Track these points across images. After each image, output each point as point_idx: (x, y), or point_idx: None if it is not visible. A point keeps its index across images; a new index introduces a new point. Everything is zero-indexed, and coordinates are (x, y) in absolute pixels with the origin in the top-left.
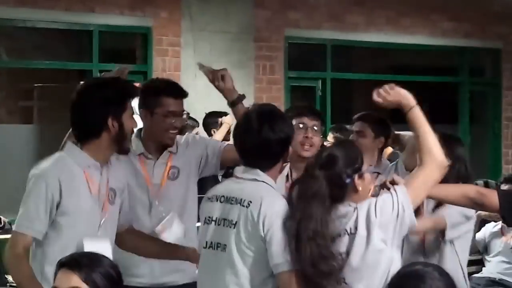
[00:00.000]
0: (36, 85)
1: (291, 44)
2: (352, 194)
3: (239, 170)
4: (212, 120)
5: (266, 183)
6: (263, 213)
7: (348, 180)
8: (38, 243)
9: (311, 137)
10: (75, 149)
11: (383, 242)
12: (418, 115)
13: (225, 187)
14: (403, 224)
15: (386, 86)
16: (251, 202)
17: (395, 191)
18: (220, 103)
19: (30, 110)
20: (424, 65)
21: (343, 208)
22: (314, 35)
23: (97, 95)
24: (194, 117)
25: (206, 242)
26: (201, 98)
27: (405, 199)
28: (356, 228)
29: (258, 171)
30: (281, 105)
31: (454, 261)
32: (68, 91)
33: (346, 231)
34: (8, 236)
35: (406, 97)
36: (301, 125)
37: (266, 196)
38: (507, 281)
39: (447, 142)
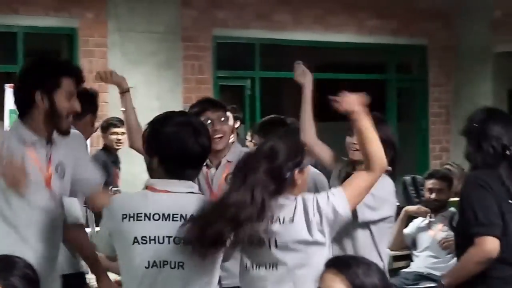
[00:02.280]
0: None
1: (219, 43)
2: (290, 187)
3: (168, 184)
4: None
5: (199, 193)
6: None
7: (288, 174)
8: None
9: (218, 129)
10: (19, 125)
11: (322, 236)
12: (362, 123)
13: (153, 203)
14: (335, 223)
15: (338, 97)
16: None
17: (331, 192)
18: (147, 104)
19: None
20: (352, 63)
21: (281, 200)
22: (242, 34)
23: (28, 69)
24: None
25: (148, 262)
26: None
27: (340, 200)
28: (292, 219)
29: (191, 183)
30: None
31: (370, 249)
32: None
33: (279, 219)
34: None
35: (351, 105)
36: (208, 121)
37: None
38: (435, 275)
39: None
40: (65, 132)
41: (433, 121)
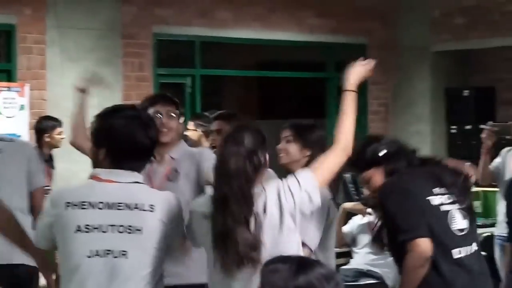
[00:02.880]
0: None
1: (160, 41)
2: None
3: (113, 174)
4: (43, 125)
5: (146, 184)
6: (170, 213)
7: (262, 161)
8: None
9: (166, 122)
10: None
11: (294, 223)
12: (348, 98)
13: (98, 192)
14: (307, 210)
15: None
16: (153, 206)
17: (300, 175)
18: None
19: None
20: (292, 61)
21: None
22: (182, 31)
23: None
24: (60, 116)
25: (91, 251)
26: (68, 96)
27: (310, 183)
28: (265, 209)
29: (136, 173)
30: None
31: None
32: None
33: (254, 213)
34: None
35: (348, 78)
36: (157, 114)
37: (161, 197)
38: (374, 271)
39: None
40: None
41: (372, 119)
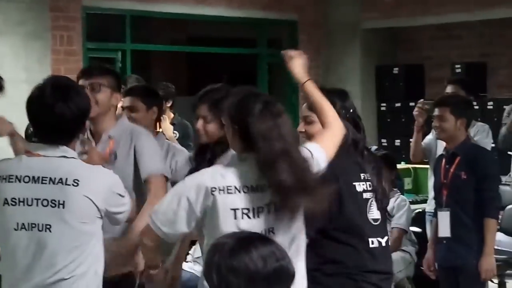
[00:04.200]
0: None
1: (89, 14)
2: None
3: (41, 148)
4: None
5: (75, 158)
6: (94, 191)
7: None
8: None
9: (90, 96)
10: None
11: None
12: (311, 89)
13: (24, 166)
14: None
15: (288, 53)
16: (78, 180)
17: (311, 146)
18: (14, 76)
19: None
20: (223, 36)
21: None
22: (112, 5)
23: None
24: None
25: (17, 224)
26: None
27: (321, 156)
28: None
29: (65, 148)
30: None
31: None
32: None
33: None
34: None
35: (296, 73)
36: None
37: (88, 171)
38: None
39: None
40: None
41: (303, 96)
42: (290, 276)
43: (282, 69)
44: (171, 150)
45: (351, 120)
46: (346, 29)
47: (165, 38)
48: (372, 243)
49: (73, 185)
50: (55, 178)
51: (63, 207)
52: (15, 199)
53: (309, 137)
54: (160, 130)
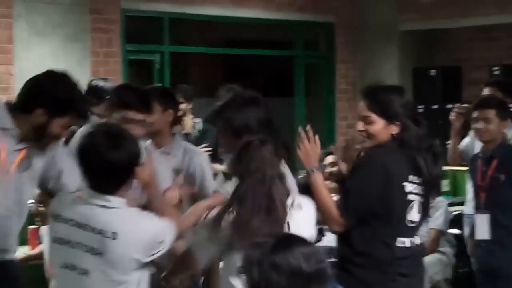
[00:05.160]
0: None
1: (128, 16)
2: None
3: (86, 193)
4: None
5: (118, 207)
6: (134, 243)
7: None
8: None
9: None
10: (2, 110)
11: None
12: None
13: (75, 209)
14: None
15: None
16: (117, 233)
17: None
18: None
19: None
20: (260, 38)
21: None
22: (151, 7)
23: (50, 85)
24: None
25: (62, 263)
26: (35, 71)
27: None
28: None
29: (109, 197)
30: (119, 78)
31: None
32: None
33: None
34: None
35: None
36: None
37: (126, 226)
38: None
39: None
40: (40, 146)
41: (339, 98)
42: (327, 279)
43: (319, 71)
44: (188, 152)
45: (410, 116)
46: (383, 31)
47: (203, 40)
48: (404, 243)
49: (112, 238)
50: (95, 228)
51: (101, 257)
52: (61, 239)
53: (370, 136)
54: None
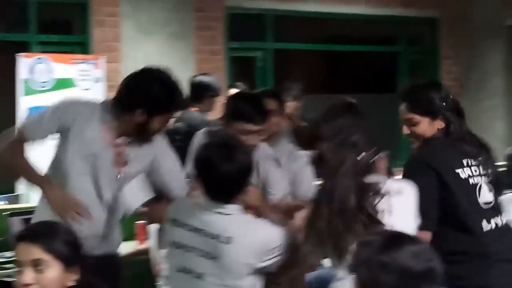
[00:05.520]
0: None
1: (232, 14)
2: None
3: (204, 201)
4: None
5: (234, 214)
6: (248, 248)
7: None
8: None
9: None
10: (105, 107)
11: None
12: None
13: (192, 214)
14: None
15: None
16: (231, 238)
17: None
18: None
19: None
20: (362, 34)
21: None
22: (254, 5)
23: (146, 86)
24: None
25: (178, 266)
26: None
27: None
28: None
29: (223, 204)
30: (222, 76)
31: None
32: (3, 63)
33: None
34: None
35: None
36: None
37: (241, 231)
38: None
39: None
40: (141, 142)
41: None
42: (438, 278)
43: (422, 66)
44: (291, 155)
45: (452, 108)
46: (488, 26)
47: (305, 36)
48: (488, 226)
49: (226, 242)
50: (211, 233)
51: (216, 262)
52: (178, 243)
53: (417, 137)
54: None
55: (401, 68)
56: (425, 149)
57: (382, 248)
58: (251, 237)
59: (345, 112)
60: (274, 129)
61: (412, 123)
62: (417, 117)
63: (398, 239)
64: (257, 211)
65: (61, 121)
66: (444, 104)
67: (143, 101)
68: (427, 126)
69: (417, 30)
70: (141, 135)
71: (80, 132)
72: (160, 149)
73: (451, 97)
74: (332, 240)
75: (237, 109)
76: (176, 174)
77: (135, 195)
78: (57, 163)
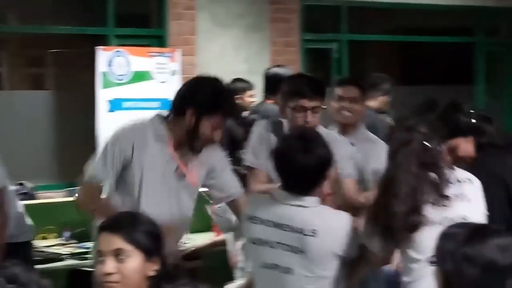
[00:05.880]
0: (49, 51)
1: (307, 6)
2: None
3: (280, 194)
4: (235, 86)
5: (314, 206)
6: (333, 238)
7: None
8: None
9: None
10: (158, 123)
11: None
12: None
13: (271, 210)
14: None
15: None
16: (316, 230)
17: None
18: (235, 67)
19: (41, 76)
20: (439, 25)
21: None
22: None
23: (197, 85)
24: None
25: (262, 262)
26: (217, 61)
27: None
28: None
29: (304, 197)
30: (297, 68)
31: None
32: (82, 56)
33: None
34: (33, 201)
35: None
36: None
37: (324, 222)
38: None
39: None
40: (196, 151)
41: None
42: None
43: (500, 57)
44: (368, 142)
45: (484, 118)
46: None
47: (380, 28)
48: None
49: (311, 235)
50: (294, 227)
51: (303, 255)
52: (260, 239)
53: (459, 159)
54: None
55: (478, 59)
56: (478, 166)
57: (466, 240)
58: (335, 227)
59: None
60: (354, 117)
61: (450, 149)
62: (452, 142)
63: (483, 231)
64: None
65: (122, 156)
66: (467, 118)
67: (192, 99)
68: (464, 146)
69: (495, 21)
70: (193, 142)
71: (141, 156)
72: (217, 160)
73: (478, 108)
74: (395, 226)
75: (292, 86)
76: (233, 183)
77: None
78: (125, 188)
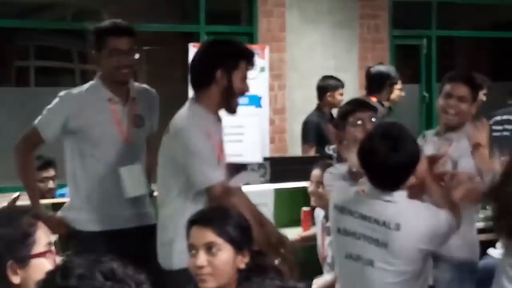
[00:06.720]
0: (142, 48)
1: (396, 2)
2: None
3: (369, 190)
4: (326, 83)
5: (402, 201)
6: (417, 233)
7: None
8: None
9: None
10: (195, 106)
11: None
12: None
13: (359, 202)
14: None
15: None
16: (400, 225)
17: None
18: (324, 64)
19: (134, 73)
20: None
21: None
22: None
23: (211, 49)
24: (298, 76)
25: (346, 253)
26: (306, 58)
27: None
28: None
29: (392, 193)
30: (387, 64)
31: None
32: (175, 53)
33: None
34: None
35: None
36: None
37: (409, 217)
38: None
39: None
40: (233, 111)
41: None
42: None
43: None
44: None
45: None
46: None
47: (470, 23)
48: None
49: (395, 229)
50: (380, 220)
51: (386, 248)
52: (346, 230)
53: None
54: None
55: None
56: None
57: None
58: (419, 223)
59: None
60: (459, 119)
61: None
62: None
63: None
64: (422, 186)
65: None
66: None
67: (218, 62)
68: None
69: None
70: (230, 101)
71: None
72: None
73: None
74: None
75: None
76: None
77: None
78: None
